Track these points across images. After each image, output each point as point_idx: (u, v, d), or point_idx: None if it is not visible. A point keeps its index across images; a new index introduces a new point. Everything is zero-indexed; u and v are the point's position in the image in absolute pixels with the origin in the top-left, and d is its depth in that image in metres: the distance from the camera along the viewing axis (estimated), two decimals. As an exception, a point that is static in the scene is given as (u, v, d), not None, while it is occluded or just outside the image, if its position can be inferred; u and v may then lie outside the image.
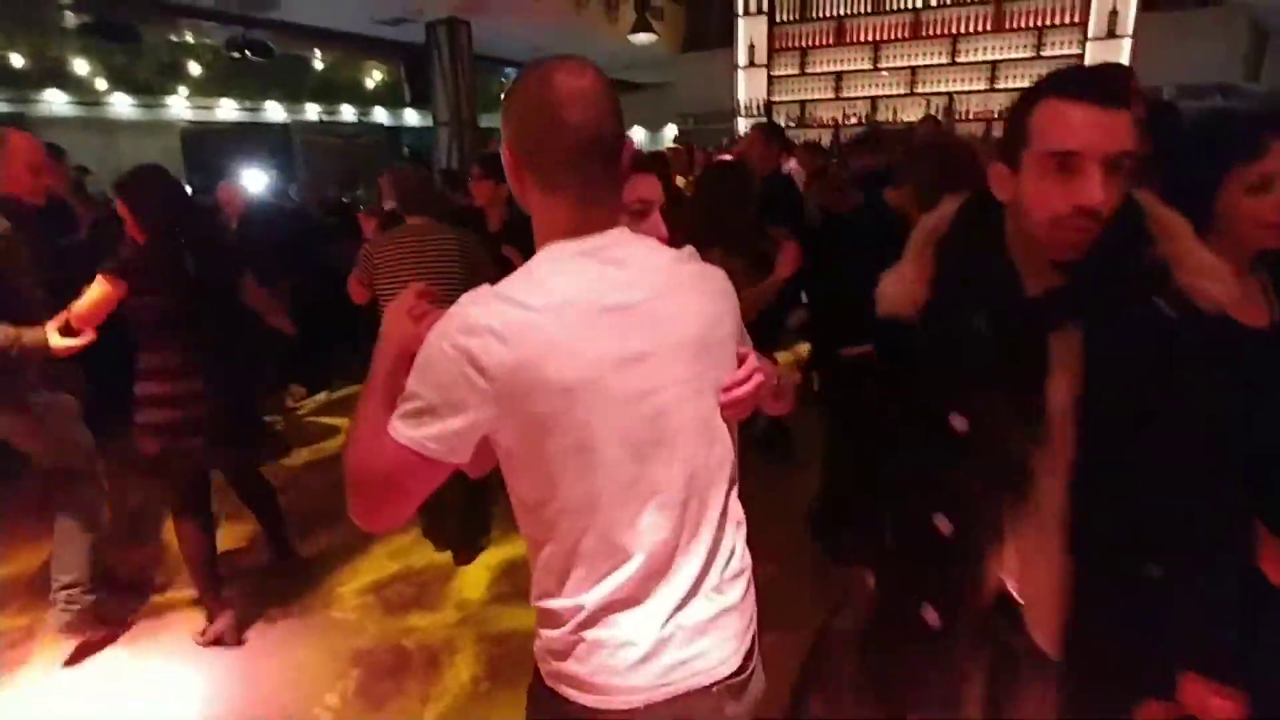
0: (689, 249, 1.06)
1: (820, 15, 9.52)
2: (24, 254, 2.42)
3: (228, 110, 10.36)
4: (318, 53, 9.83)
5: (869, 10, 9.18)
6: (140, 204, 2.46)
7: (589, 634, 0.97)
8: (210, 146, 10.31)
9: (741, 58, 10.08)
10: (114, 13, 6.31)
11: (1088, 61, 7.99)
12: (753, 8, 9.86)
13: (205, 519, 2.67)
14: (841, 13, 9.36)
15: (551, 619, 1.00)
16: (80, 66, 8.25)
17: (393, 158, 13.55)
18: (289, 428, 4.64)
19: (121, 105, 9.11)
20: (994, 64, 8.63)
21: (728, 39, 10.14)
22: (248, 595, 2.91)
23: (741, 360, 1.05)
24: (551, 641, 1.00)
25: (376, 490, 0.93)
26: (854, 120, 9.68)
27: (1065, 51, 8.18)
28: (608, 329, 0.92)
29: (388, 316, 1.03)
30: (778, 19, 9.78)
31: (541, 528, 0.98)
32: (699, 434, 1.00)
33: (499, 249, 3.12)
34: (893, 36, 9.13)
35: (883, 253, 1.28)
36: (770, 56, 9.94)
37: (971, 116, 8.85)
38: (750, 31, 9.96)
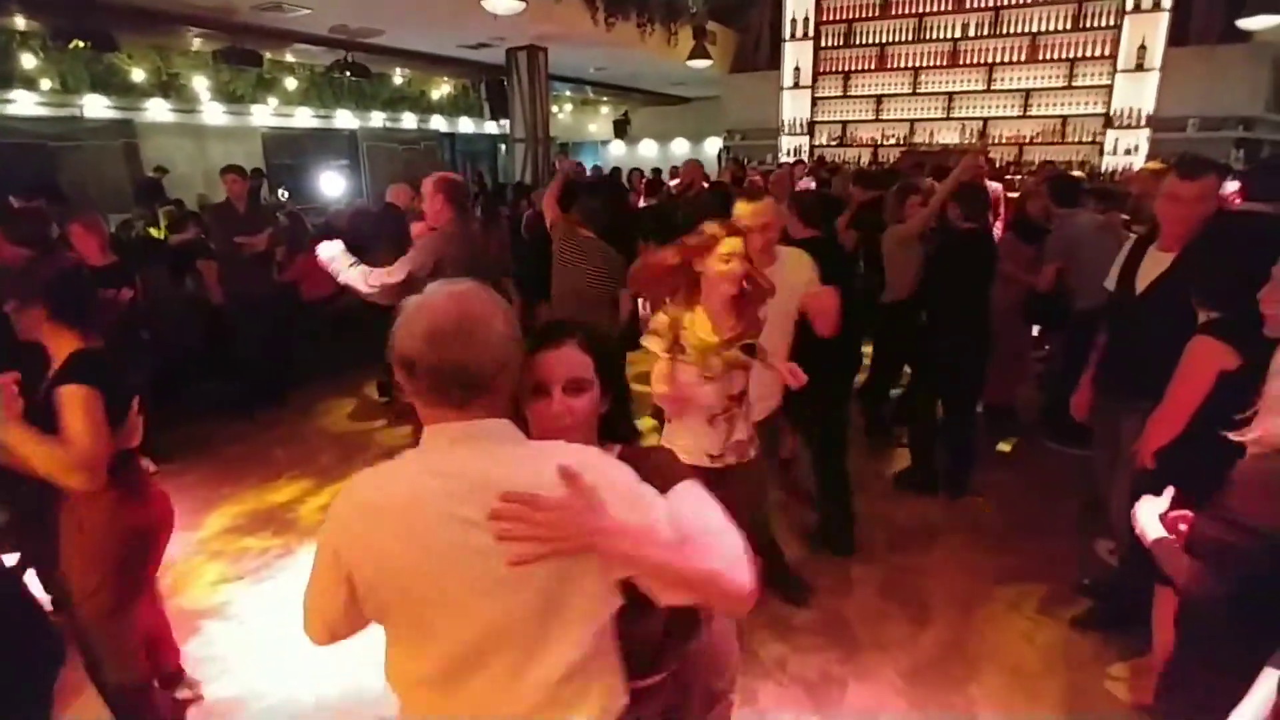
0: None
1: (863, 42, 10.17)
2: None
3: (304, 118, 11.11)
4: (398, 70, 10.55)
5: (910, 39, 9.82)
6: None
7: None
8: (287, 149, 11.25)
9: (787, 79, 10.73)
10: (242, 40, 7.00)
11: (1115, 92, 8.62)
12: (799, 33, 10.52)
13: None
14: (884, 40, 10.01)
15: None
16: (197, 82, 9.07)
17: (444, 163, 14.33)
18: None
19: (214, 114, 9.87)
20: (1027, 92, 9.24)
21: (775, 62, 10.80)
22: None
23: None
24: None
25: None
26: (892, 140, 10.32)
27: (1096, 82, 8.78)
28: None
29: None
30: (822, 44, 10.43)
31: None
32: None
33: None
34: (932, 64, 9.77)
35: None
36: (815, 79, 10.59)
37: (1004, 140, 9.48)
38: (796, 55, 10.61)
